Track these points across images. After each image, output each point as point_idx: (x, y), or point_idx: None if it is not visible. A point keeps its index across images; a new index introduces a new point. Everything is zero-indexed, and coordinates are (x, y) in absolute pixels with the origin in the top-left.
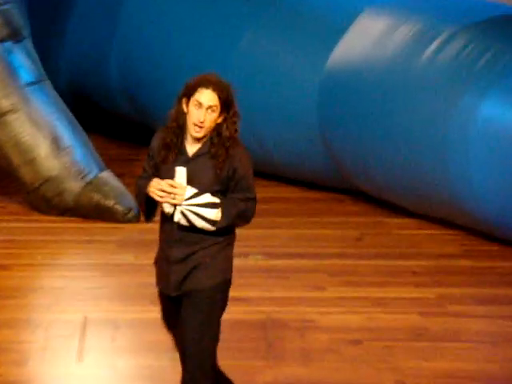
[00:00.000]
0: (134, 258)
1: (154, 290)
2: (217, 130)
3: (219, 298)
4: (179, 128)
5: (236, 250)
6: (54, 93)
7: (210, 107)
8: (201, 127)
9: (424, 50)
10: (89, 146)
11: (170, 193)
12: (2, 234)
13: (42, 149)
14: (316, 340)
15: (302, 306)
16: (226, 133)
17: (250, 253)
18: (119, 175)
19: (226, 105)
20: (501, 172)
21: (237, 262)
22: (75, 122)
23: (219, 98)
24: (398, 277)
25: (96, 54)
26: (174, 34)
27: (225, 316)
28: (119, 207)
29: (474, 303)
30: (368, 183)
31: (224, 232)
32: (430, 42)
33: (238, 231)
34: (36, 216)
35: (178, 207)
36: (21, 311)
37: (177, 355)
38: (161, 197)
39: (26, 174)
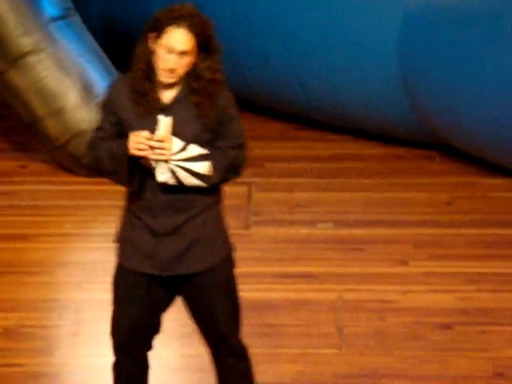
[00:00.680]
0: None
1: None
2: (195, 72)
3: (229, 272)
4: (148, 70)
5: (301, 217)
6: (84, 29)
7: (183, 52)
8: (172, 73)
9: None
10: None
11: (155, 148)
12: (23, 198)
13: (70, 97)
14: (397, 324)
15: (380, 283)
16: (205, 74)
17: (317, 221)
18: None
19: (204, 44)
20: None
21: (302, 232)
22: (109, 64)
23: (195, 38)
24: (496, 248)
25: None
26: None
27: (289, 295)
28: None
29: None
30: (460, 137)
31: (211, 190)
32: None
33: (307, 196)
34: (63, 177)
35: (163, 164)
36: (46, 290)
37: None
38: (153, 151)
39: (51, 127)
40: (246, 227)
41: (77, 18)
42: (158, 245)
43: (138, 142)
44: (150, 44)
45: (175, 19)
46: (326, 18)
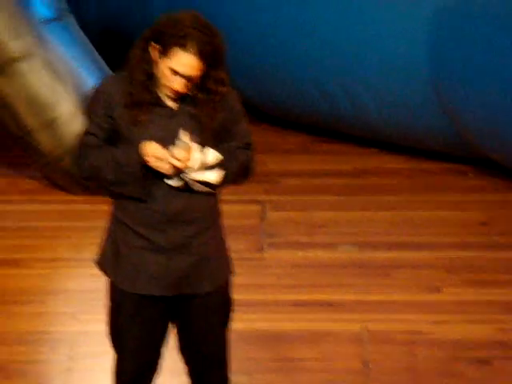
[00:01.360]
0: None
1: None
2: (202, 84)
3: (229, 293)
4: (149, 80)
5: (320, 238)
6: (79, 31)
7: (190, 76)
8: (177, 93)
9: None
10: None
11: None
12: (12, 219)
13: (64, 106)
14: (429, 358)
15: (409, 312)
16: (213, 87)
17: (338, 243)
18: None
19: (213, 59)
20: None
21: (322, 255)
22: (106, 69)
23: (204, 61)
24: None
25: None
26: None
27: (307, 326)
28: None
29: None
30: (500, 149)
31: (214, 200)
32: None
33: (326, 215)
34: (56, 195)
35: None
36: (37, 321)
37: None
38: (173, 167)
39: (43, 139)
40: (260, 250)
41: (71, 20)
42: (167, 262)
43: (156, 156)
44: (153, 54)
45: (182, 39)
46: (349, 24)
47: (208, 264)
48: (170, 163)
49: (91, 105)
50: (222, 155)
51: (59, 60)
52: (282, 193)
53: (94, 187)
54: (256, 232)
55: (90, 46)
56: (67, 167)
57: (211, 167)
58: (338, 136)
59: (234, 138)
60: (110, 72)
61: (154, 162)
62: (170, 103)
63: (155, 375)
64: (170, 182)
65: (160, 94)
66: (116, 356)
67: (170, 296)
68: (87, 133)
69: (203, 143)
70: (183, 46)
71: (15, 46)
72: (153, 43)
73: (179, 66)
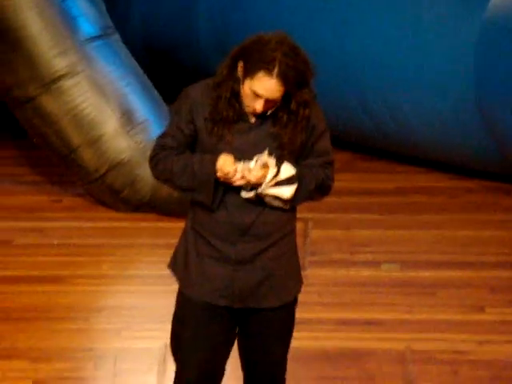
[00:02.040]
0: None
1: None
2: (286, 103)
3: (294, 312)
4: (234, 97)
5: (363, 257)
6: (124, 50)
7: (270, 100)
8: (258, 113)
9: None
10: (169, 119)
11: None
12: (56, 236)
13: (109, 124)
14: (473, 379)
15: (453, 332)
16: (297, 109)
17: (381, 261)
18: None
19: (298, 82)
20: None
21: (364, 274)
22: (151, 87)
23: (287, 85)
24: None
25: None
26: None
27: (350, 345)
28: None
29: None
30: None
31: (289, 215)
32: None
33: (369, 234)
34: (100, 212)
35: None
36: (81, 338)
37: None
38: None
39: (88, 157)
40: (302, 268)
41: (116, 38)
42: (234, 274)
43: (227, 172)
44: (239, 72)
45: (267, 64)
46: (395, 43)
47: (276, 279)
48: (244, 177)
49: (176, 108)
50: (300, 172)
51: (104, 77)
52: (325, 211)
53: (169, 186)
54: (298, 250)
55: (135, 63)
56: (111, 184)
57: (286, 182)
58: (380, 154)
59: (315, 155)
60: (154, 90)
61: (224, 177)
62: (252, 119)
63: None
64: (242, 193)
65: (243, 110)
66: (177, 368)
67: (235, 308)
68: (166, 134)
69: (281, 160)
70: (267, 71)
71: (60, 64)
72: (240, 62)
73: (261, 90)
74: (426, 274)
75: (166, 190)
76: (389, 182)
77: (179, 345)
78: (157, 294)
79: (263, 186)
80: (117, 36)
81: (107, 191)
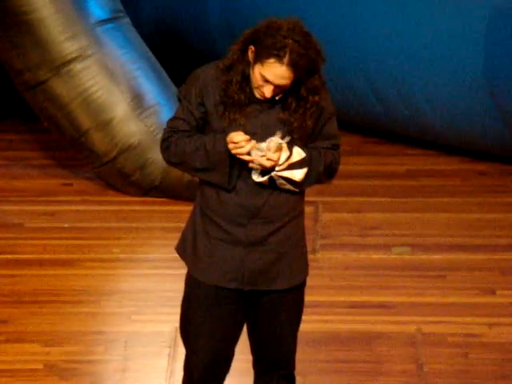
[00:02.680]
0: None
1: None
2: (296, 89)
3: (303, 294)
4: (245, 81)
5: (374, 240)
6: (134, 33)
7: (279, 86)
8: (266, 97)
9: None
10: None
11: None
12: (66, 219)
13: (119, 108)
14: (484, 361)
15: (463, 315)
16: (307, 96)
17: (392, 244)
18: None
19: (308, 69)
20: None
21: (375, 257)
22: (162, 71)
23: (297, 72)
24: None
25: None
26: None
27: (361, 328)
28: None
29: None
30: None
31: (299, 197)
32: None
33: (380, 217)
34: (111, 196)
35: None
36: (91, 321)
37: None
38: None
39: (98, 141)
40: (313, 251)
41: (126, 21)
42: (244, 256)
43: (239, 141)
44: (250, 55)
45: (278, 50)
46: (405, 27)
47: (285, 262)
48: (256, 161)
49: (186, 90)
50: (309, 155)
51: (114, 61)
52: (336, 194)
53: (183, 171)
54: (309, 233)
55: (145, 46)
56: (121, 168)
57: (297, 165)
58: (391, 137)
59: (323, 138)
60: (165, 73)
61: (235, 150)
62: (262, 102)
63: (226, 375)
64: (254, 176)
65: (253, 94)
66: (186, 351)
67: (245, 291)
68: (177, 118)
69: (291, 144)
70: (278, 57)
71: (71, 47)
72: (251, 46)
73: (271, 76)
74: (436, 256)
75: (176, 174)
76: (399, 165)
77: (189, 328)
78: (167, 278)
79: (277, 168)
80: (127, 19)
81: (117, 175)
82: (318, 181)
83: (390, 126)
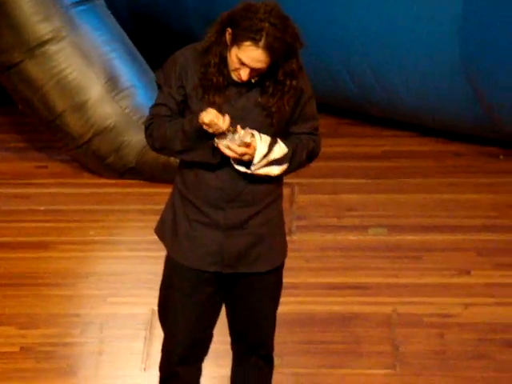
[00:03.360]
0: None
1: None
2: (273, 73)
3: (281, 276)
4: (222, 63)
5: (350, 221)
6: (108, 15)
7: (255, 69)
8: (243, 80)
9: None
10: (155, 85)
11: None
12: (42, 202)
13: (94, 90)
14: (459, 341)
15: (439, 295)
16: (284, 80)
17: (369, 225)
18: None
19: (285, 52)
20: None
21: (351, 238)
22: (137, 53)
23: (273, 55)
24: None
25: None
26: None
27: (337, 309)
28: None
29: None
30: None
31: (277, 181)
32: None
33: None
34: (86, 179)
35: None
36: (67, 304)
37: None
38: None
39: (73, 123)
40: (289, 233)
41: (101, 3)
42: (224, 240)
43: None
44: (227, 38)
45: (254, 33)
46: (378, 5)
47: (265, 244)
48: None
49: (165, 75)
50: (292, 149)
51: (88, 43)
52: (311, 176)
53: (168, 155)
54: (285, 215)
55: (120, 29)
56: (97, 150)
57: (276, 162)
58: (366, 118)
59: (303, 120)
60: (140, 56)
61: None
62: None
63: (205, 357)
64: (236, 166)
65: (231, 77)
66: (165, 334)
67: (224, 274)
68: (158, 104)
69: (271, 130)
70: (254, 40)
71: (44, 29)
72: (228, 29)
73: (247, 58)
74: (412, 237)
75: (151, 156)
76: (375, 146)
77: (167, 311)
78: (144, 260)
79: (252, 167)
80: (102, 1)
81: (93, 157)
82: (299, 168)
83: (366, 108)
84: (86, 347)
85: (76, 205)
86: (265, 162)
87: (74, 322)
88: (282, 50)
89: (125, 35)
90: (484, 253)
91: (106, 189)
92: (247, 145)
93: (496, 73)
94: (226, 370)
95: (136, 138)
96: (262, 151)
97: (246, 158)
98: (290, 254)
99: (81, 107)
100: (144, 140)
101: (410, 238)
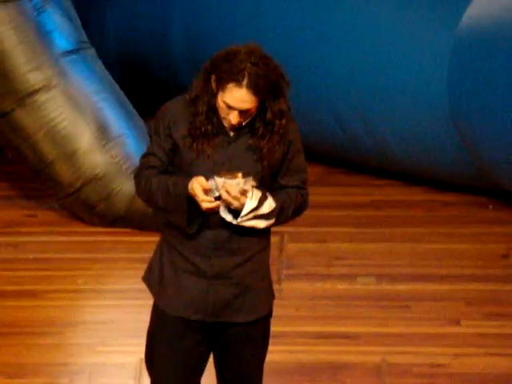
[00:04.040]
0: None
1: None
2: (262, 115)
3: (269, 326)
4: (211, 111)
5: (339, 270)
6: (99, 64)
7: (245, 110)
8: (234, 126)
9: None
10: (144, 134)
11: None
12: (31, 250)
13: (84, 139)
14: None
15: (428, 345)
16: (273, 120)
17: (357, 275)
18: None
19: (271, 91)
20: None
21: (340, 287)
22: (127, 102)
23: (259, 95)
24: None
25: (155, 15)
26: None
27: (326, 358)
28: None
29: None
30: None
31: (264, 233)
32: None
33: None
34: (75, 227)
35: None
36: (56, 353)
37: None
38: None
39: (62, 172)
40: (278, 281)
41: (91, 52)
42: (208, 288)
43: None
44: (213, 85)
45: (236, 74)
46: (369, 58)
47: (250, 295)
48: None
49: (155, 125)
50: (280, 203)
51: (79, 92)
52: (301, 224)
53: (152, 208)
54: (274, 263)
55: (110, 78)
56: (86, 199)
57: (264, 217)
58: (355, 167)
59: (292, 172)
60: (130, 105)
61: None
62: (231, 132)
63: None
64: (222, 213)
65: (222, 124)
66: (151, 382)
67: (209, 323)
68: (148, 153)
69: (261, 175)
70: (237, 81)
71: (35, 78)
72: (212, 76)
73: (232, 100)
74: (401, 287)
75: (141, 205)
76: (364, 195)
77: (153, 359)
78: (132, 309)
79: (239, 219)
80: (92, 50)
81: (82, 206)
82: (284, 222)
83: (355, 157)
84: None
85: (65, 253)
86: (252, 215)
87: (63, 371)
88: (267, 88)
89: (115, 84)
90: (474, 302)
91: (95, 237)
92: (243, 192)
93: (484, 127)
94: None
95: (126, 187)
96: (252, 205)
97: (235, 205)
98: (278, 302)
99: (71, 156)
100: (134, 189)
101: (399, 287)
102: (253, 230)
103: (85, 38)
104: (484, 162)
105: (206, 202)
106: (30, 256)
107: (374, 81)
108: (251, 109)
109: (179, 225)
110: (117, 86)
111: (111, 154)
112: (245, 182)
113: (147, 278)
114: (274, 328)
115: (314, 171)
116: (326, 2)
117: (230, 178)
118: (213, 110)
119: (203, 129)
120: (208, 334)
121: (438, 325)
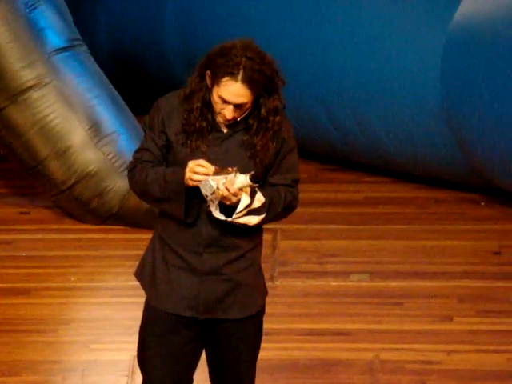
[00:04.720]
0: None
1: None
2: (256, 112)
3: (261, 323)
4: (206, 107)
5: (332, 267)
6: (91, 61)
7: (239, 104)
8: (228, 121)
9: None
10: (137, 131)
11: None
12: (23, 248)
13: (76, 136)
14: None
15: (421, 342)
16: (267, 116)
17: (350, 272)
18: None
19: (266, 86)
20: None
21: (333, 284)
22: (120, 99)
23: (254, 89)
24: None
25: (147, 11)
26: None
27: (319, 355)
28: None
29: None
30: (510, 179)
31: (256, 230)
32: None
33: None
34: (68, 224)
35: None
36: (49, 351)
37: None
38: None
39: (55, 169)
40: (271, 279)
41: (84, 49)
42: (200, 285)
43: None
44: (208, 81)
45: (231, 68)
46: (361, 56)
47: (242, 291)
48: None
49: (149, 121)
50: (269, 199)
51: (71, 89)
52: (293, 221)
53: (148, 203)
54: (267, 261)
55: (103, 75)
56: (79, 196)
57: (255, 212)
58: (347, 164)
59: (283, 171)
60: (122, 101)
61: (194, 178)
62: (225, 129)
63: None
64: (214, 212)
65: (216, 120)
66: (144, 379)
67: (202, 319)
68: (142, 148)
69: (252, 168)
70: (232, 75)
71: (27, 75)
72: (207, 71)
73: (227, 95)
74: (394, 284)
75: (134, 202)
76: (357, 192)
77: (145, 356)
78: (125, 306)
79: (235, 215)
80: (84, 48)
81: (75, 203)
82: (275, 219)
83: (348, 154)
84: None
85: (58, 251)
86: (245, 211)
87: (55, 369)
88: (262, 83)
89: (107, 81)
90: (466, 299)
91: (88, 234)
92: (240, 189)
93: (477, 124)
94: None
95: (118, 184)
96: (246, 201)
97: (233, 201)
98: (271, 299)
99: (63, 153)
100: (127, 186)
101: (391, 284)
102: (245, 227)
103: (77, 35)
104: (476, 159)
105: (197, 175)
106: (23, 254)
107: (366, 78)
108: (246, 103)
109: (176, 215)
110: (109, 83)
111: (104, 151)
112: (245, 180)
113: (139, 274)
114: (267, 325)
115: (306, 168)
116: None
117: (225, 174)
118: (207, 106)
119: (197, 125)
120: (200, 330)
121: (430, 321)
